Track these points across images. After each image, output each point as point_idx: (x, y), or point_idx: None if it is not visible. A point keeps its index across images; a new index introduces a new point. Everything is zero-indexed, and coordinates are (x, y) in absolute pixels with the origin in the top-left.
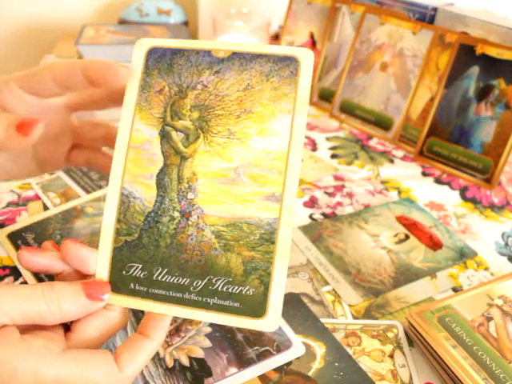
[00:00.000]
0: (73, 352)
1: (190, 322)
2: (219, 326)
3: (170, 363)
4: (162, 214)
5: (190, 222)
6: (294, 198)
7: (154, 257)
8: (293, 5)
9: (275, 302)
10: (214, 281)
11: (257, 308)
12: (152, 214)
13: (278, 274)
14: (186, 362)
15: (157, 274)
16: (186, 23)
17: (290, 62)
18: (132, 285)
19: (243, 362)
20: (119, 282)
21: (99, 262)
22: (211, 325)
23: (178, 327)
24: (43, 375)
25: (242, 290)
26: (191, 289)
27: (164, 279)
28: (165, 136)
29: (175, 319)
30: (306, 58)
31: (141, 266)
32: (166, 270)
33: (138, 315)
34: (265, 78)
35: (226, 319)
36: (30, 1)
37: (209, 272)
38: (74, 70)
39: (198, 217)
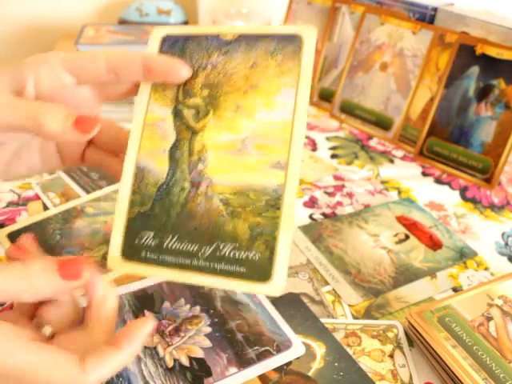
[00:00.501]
0: (39, 344)
1: (190, 322)
2: (219, 326)
3: (169, 363)
4: (174, 185)
5: (199, 192)
6: (298, 165)
7: (165, 225)
8: (293, 5)
9: (280, 267)
10: (221, 246)
11: (262, 272)
12: (164, 186)
13: (284, 239)
14: (185, 361)
15: (167, 241)
16: (186, 23)
17: (293, 39)
18: (144, 252)
19: (243, 362)
20: (132, 250)
21: (114, 233)
22: (211, 325)
23: (178, 327)
24: (3, 359)
25: (248, 255)
26: (199, 255)
27: (174, 246)
28: (177, 114)
29: (175, 319)
30: (309, 35)
31: (152, 233)
32: (176, 237)
33: (137, 315)
34: (270, 56)
35: (232, 284)
36: (30, 1)
37: (216, 238)
38: (133, 59)
39: (206, 186)
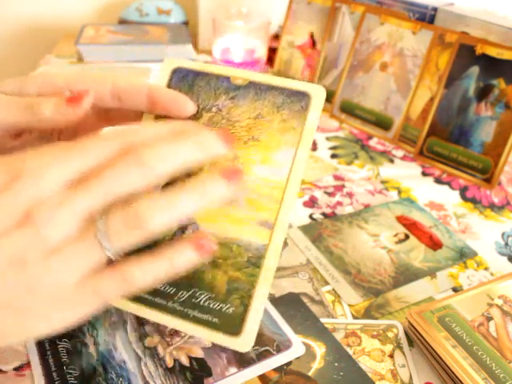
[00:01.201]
0: None
1: None
2: None
3: (169, 363)
4: None
5: (184, 235)
6: (285, 227)
7: None
8: (293, 5)
9: (251, 324)
10: (197, 294)
11: (234, 326)
12: None
13: (258, 298)
14: (185, 361)
15: None
16: (186, 23)
17: (302, 96)
18: None
19: (243, 362)
20: None
21: None
22: None
23: None
24: None
25: (222, 307)
26: (175, 298)
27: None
28: None
29: None
30: (318, 94)
31: None
32: None
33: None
34: (276, 110)
35: (202, 332)
36: (30, 1)
37: (194, 285)
38: (140, 89)
39: (192, 231)
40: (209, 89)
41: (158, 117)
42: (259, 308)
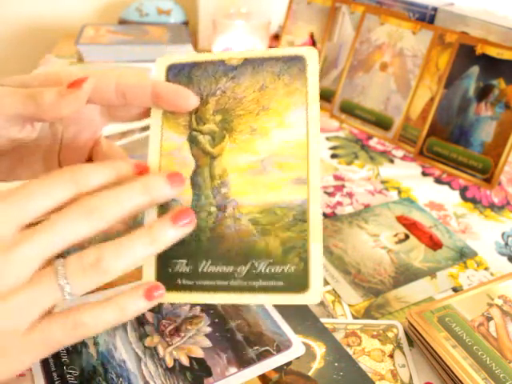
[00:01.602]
0: None
1: (190, 321)
2: (219, 326)
3: (169, 363)
4: (200, 210)
5: (226, 214)
6: (319, 178)
7: (197, 251)
8: (293, 5)
9: (316, 275)
10: (256, 264)
11: (300, 283)
12: None
13: (315, 249)
14: (185, 361)
15: (201, 266)
16: (186, 23)
17: (297, 60)
18: (179, 280)
19: (243, 362)
20: (166, 279)
21: (145, 264)
22: (211, 325)
23: (178, 327)
24: None
25: (283, 269)
26: (236, 275)
27: (209, 270)
28: (192, 140)
29: (175, 319)
30: (312, 56)
31: (185, 261)
32: (210, 261)
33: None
34: (276, 77)
35: (272, 298)
36: (30, 1)
37: (251, 257)
38: (144, 85)
39: (233, 208)
40: (207, 75)
41: (167, 114)
42: (318, 259)
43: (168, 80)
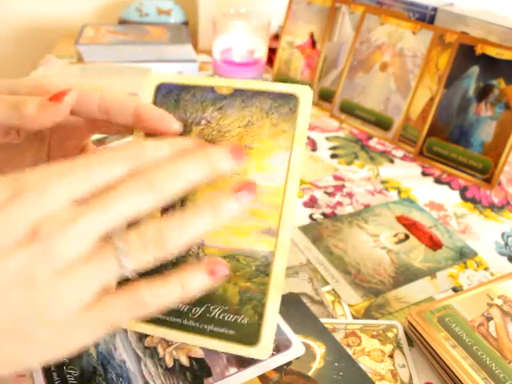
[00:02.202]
0: None
1: None
2: None
3: (169, 363)
4: None
5: (190, 253)
6: (289, 232)
7: None
8: (293, 5)
9: (268, 331)
10: (211, 308)
11: (250, 336)
12: None
13: (272, 305)
14: (185, 361)
15: None
16: (185, 23)
17: (289, 98)
18: None
19: (243, 362)
20: None
21: None
22: None
23: None
24: None
25: (237, 319)
26: (190, 315)
27: None
28: None
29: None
30: (305, 95)
31: None
32: None
33: None
34: (265, 115)
35: (220, 345)
36: (30, 1)
37: (207, 300)
38: (127, 105)
39: (198, 247)
40: (195, 101)
41: (148, 133)
42: (273, 315)
43: (155, 101)
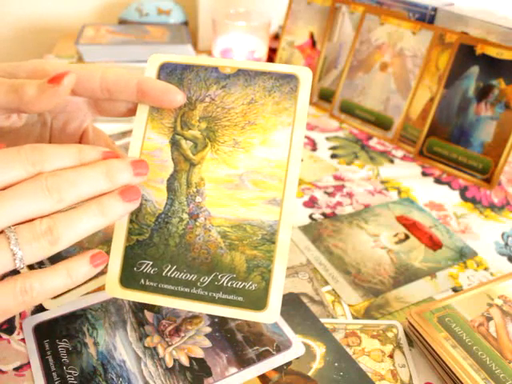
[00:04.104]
0: None
1: (190, 322)
2: (219, 326)
3: (169, 363)
4: (172, 215)
5: (197, 223)
6: (293, 202)
7: (163, 254)
8: (293, 5)
9: (275, 297)
10: (219, 277)
11: (258, 302)
12: (162, 216)
13: (278, 271)
14: (185, 362)
15: (166, 270)
16: (185, 23)
17: (290, 79)
18: (142, 280)
19: (243, 362)
20: (130, 278)
21: (111, 260)
22: (211, 325)
23: (178, 327)
24: None
25: (245, 286)
26: (198, 284)
27: (173, 275)
28: (175, 144)
29: (175, 320)
30: (305, 76)
31: (151, 262)
32: (174, 266)
33: (137, 315)
34: (267, 93)
35: (229, 312)
36: (30, 1)
37: (215, 269)
38: (129, 80)
39: (205, 218)
40: (199, 80)
41: (153, 114)
42: (280, 281)
43: (159, 78)
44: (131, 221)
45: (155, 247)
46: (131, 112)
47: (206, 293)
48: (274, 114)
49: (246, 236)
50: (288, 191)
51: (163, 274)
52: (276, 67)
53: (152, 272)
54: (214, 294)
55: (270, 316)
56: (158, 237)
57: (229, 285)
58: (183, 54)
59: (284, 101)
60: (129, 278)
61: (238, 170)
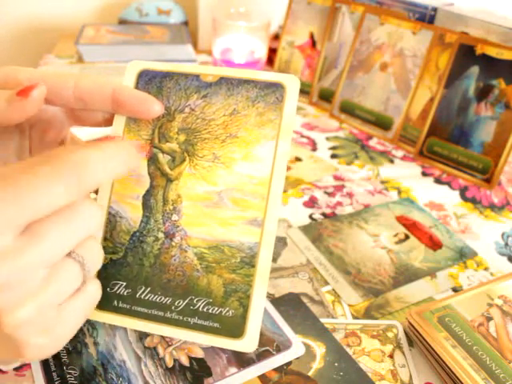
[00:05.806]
0: None
1: None
2: None
3: (169, 363)
4: (147, 233)
5: (173, 243)
6: (275, 223)
7: (137, 275)
8: (293, 5)
9: (253, 324)
10: (195, 301)
11: (235, 329)
12: (137, 234)
13: (257, 297)
14: (185, 361)
15: (140, 292)
16: (185, 23)
17: (275, 88)
18: (116, 302)
19: (243, 362)
20: (103, 299)
21: None
22: None
23: None
24: None
25: (221, 311)
26: (173, 308)
27: (147, 297)
28: (151, 158)
29: None
30: (292, 85)
31: (125, 283)
32: (149, 288)
33: None
34: (251, 104)
35: (205, 339)
36: (29, 1)
37: (190, 292)
38: (103, 89)
39: (181, 238)
40: (179, 89)
41: (129, 125)
42: (259, 307)
43: (137, 87)
44: (105, 238)
45: (129, 267)
46: (108, 122)
47: (181, 317)
48: (258, 126)
49: (224, 258)
50: (270, 210)
51: (137, 295)
52: (261, 75)
53: (125, 293)
54: (189, 319)
55: (248, 345)
56: (132, 256)
57: (205, 310)
58: (182, 55)
59: (268, 112)
60: (102, 299)
61: (217, 186)
